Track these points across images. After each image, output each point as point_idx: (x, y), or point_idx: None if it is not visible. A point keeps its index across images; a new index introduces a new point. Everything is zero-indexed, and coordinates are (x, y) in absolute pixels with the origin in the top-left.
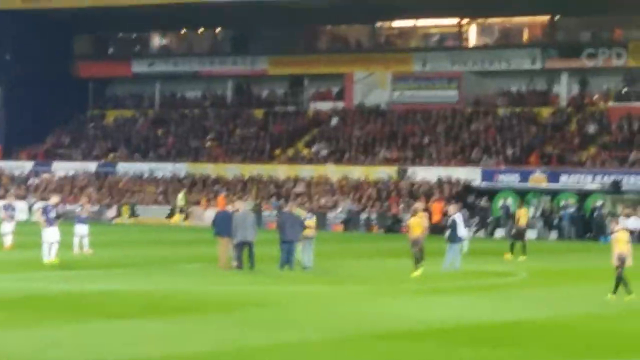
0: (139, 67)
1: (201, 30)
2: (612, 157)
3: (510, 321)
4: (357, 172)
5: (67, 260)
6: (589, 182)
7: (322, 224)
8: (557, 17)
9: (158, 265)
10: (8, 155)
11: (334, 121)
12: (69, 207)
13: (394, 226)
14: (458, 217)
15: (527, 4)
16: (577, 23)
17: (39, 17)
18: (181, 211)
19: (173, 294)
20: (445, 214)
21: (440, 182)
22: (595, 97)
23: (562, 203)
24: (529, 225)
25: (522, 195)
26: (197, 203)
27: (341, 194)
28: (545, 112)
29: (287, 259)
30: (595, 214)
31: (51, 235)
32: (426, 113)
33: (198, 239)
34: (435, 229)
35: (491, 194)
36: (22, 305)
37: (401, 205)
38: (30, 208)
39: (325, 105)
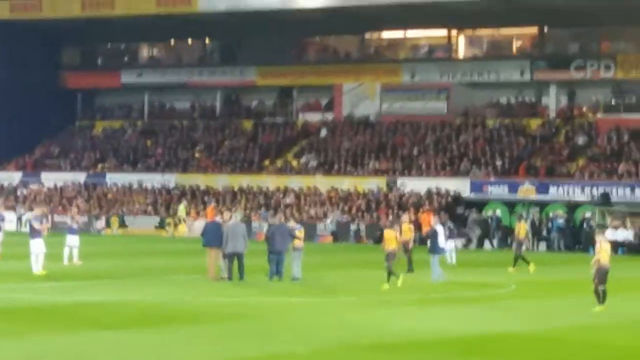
0: (127, 77)
1: (190, 41)
2: (601, 169)
3: (499, 333)
4: (346, 183)
5: (56, 272)
6: (578, 193)
7: (311, 235)
8: (545, 29)
9: (147, 276)
10: None
11: (323, 132)
12: (57, 218)
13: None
14: (439, 228)
15: (516, 15)
16: (566, 35)
17: (27, 28)
18: (180, 222)
19: (162, 305)
20: None
21: (429, 194)
22: (584, 108)
23: (551, 214)
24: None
25: (512, 207)
26: (187, 214)
27: (330, 205)
28: (534, 123)
29: (276, 270)
30: (585, 225)
31: (37, 246)
32: (415, 124)
33: (187, 250)
34: (425, 240)
35: (480, 205)
36: (10, 317)
37: (390, 217)
38: (19, 219)
39: (314, 117)
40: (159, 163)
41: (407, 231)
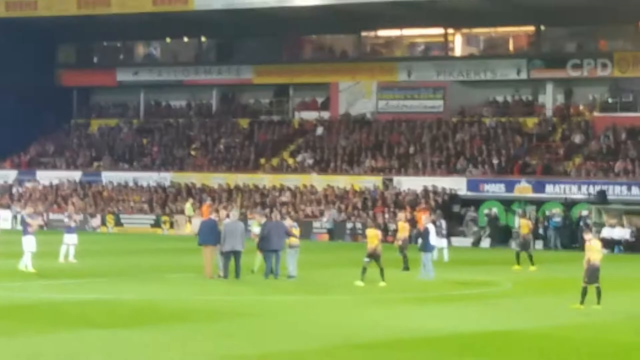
0: (123, 76)
1: (186, 39)
2: (598, 167)
3: (495, 331)
4: (343, 182)
5: (51, 269)
6: (574, 192)
7: (307, 233)
8: (542, 28)
9: (143, 275)
10: None
11: (319, 131)
12: (52, 216)
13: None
14: (430, 226)
15: (513, 14)
16: (563, 33)
17: (22, 26)
18: (188, 220)
19: (158, 304)
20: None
21: (425, 192)
22: (581, 107)
23: (547, 213)
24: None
25: (508, 205)
26: (182, 212)
27: (326, 203)
28: (531, 122)
29: (272, 268)
30: (581, 223)
31: (27, 244)
32: (411, 123)
33: (183, 248)
34: (417, 238)
35: (476, 203)
36: (4, 315)
37: (386, 215)
38: (14, 217)
39: (310, 115)
40: (154, 161)
41: (403, 229)
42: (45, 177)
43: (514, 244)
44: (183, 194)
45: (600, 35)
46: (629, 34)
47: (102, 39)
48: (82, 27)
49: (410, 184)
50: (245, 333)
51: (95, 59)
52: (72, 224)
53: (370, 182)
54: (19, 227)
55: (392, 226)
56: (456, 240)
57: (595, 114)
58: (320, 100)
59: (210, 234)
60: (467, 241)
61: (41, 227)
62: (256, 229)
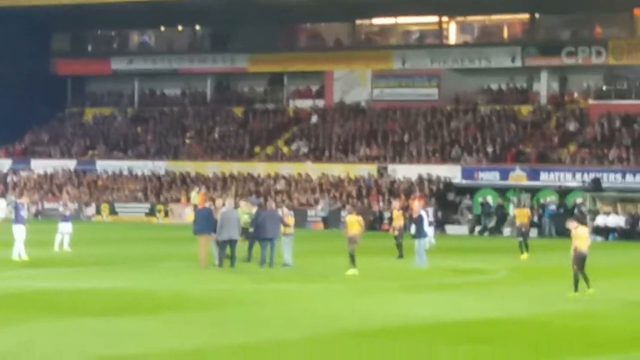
0: (118, 64)
1: (180, 27)
2: (592, 155)
3: (489, 318)
4: (337, 170)
5: (46, 258)
6: (569, 179)
7: (302, 221)
8: (537, 15)
9: (137, 263)
10: None
11: (314, 119)
12: (47, 205)
13: (375, 224)
14: (424, 214)
15: (507, 2)
16: (557, 21)
17: (17, 14)
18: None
19: (152, 292)
20: None
21: (420, 180)
22: (575, 95)
23: (542, 201)
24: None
25: (503, 193)
26: (177, 201)
27: (321, 192)
28: (525, 109)
29: (267, 257)
30: (576, 211)
31: (17, 232)
32: (406, 111)
33: (178, 237)
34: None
35: (471, 191)
36: None
37: (381, 203)
38: (9, 205)
39: (305, 103)
40: (149, 150)
41: (398, 217)
42: (40, 166)
43: (509, 231)
44: (178, 182)
45: (595, 23)
46: (623, 21)
47: (97, 28)
48: (76, 15)
49: (405, 172)
50: (240, 321)
51: (89, 48)
52: (67, 213)
53: (365, 170)
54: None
55: (386, 214)
56: (451, 228)
57: (590, 101)
58: (314, 88)
59: (205, 223)
60: (462, 229)
61: (35, 215)
62: (246, 217)
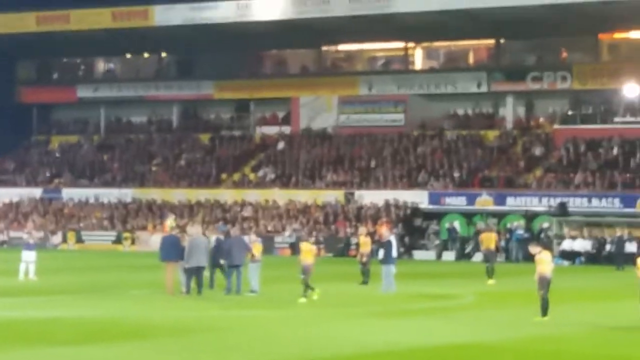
0: (83, 92)
1: (146, 55)
2: (558, 180)
3: (457, 344)
4: (304, 196)
5: (12, 287)
6: (535, 204)
7: (269, 248)
8: (502, 41)
9: (104, 292)
10: None
11: (281, 145)
12: (13, 233)
13: (343, 250)
14: (393, 239)
15: (473, 28)
16: (522, 46)
17: None
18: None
19: (119, 320)
20: None
21: (387, 206)
22: (541, 119)
23: (509, 225)
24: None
25: (470, 218)
26: (144, 228)
27: (288, 218)
28: (492, 134)
29: (233, 284)
30: (542, 235)
31: None
32: (373, 136)
33: (145, 264)
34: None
35: (438, 216)
36: None
37: (348, 229)
38: None
39: (271, 130)
40: (115, 178)
41: (364, 244)
42: (6, 194)
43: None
44: (144, 210)
45: (560, 48)
46: (588, 46)
47: (62, 56)
48: (41, 43)
49: (371, 197)
50: (208, 348)
51: (55, 76)
52: (31, 241)
53: (331, 196)
54: None
55: (354, 240)
56: (418, 254)
57: (556, 126)
58: (281, 115)
59: (172, 250)
60: (429, 254)
61: (1, 244)
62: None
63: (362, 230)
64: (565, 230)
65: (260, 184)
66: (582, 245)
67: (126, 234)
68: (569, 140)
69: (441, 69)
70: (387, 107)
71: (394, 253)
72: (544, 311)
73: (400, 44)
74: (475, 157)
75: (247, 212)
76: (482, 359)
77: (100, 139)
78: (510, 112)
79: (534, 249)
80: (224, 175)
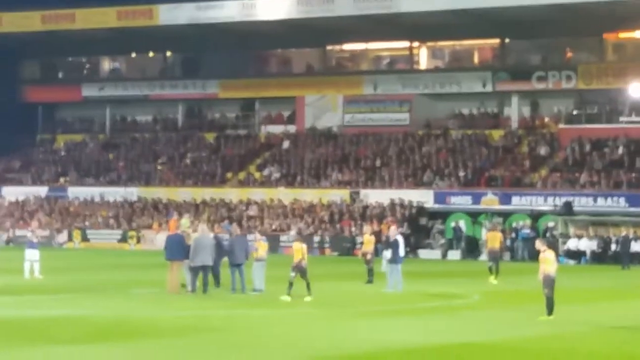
0: (89, 91)
1: (151, 54)
2: (563, 179)
3: (463, 343)
4: (309, 195)
5: (17, 286)
6: (540, 203)
7: (274, 247)
8: (507, 40)
9: (110, 290)
10: None
11: (286, 144)
12: (18, 232)
13: (349, 249)
14: (400, 238)
15: (478, 27)
16: (527, 46)
17: None
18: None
19: (124, 319)
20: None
21: (392, 205)
22: (546, 119)
23: (514, 224)
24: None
25: (475, 217)
26: (149, 227)
27: (293, 217)
28: (497, 134)
29: (237, 283)
30: (548, 235)
31: None
32: (378, 136)
33: (150, 263)
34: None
35: (444, 216)
36: None
37: (353, 228)
38: None
39: (276, 129)
40: (121, 176)
41: (368, 243)
42: (11, 193)
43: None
44: (150, 208)
45: (565, 48)
46: (593, 46)
47: (67, 55)
48: (46, 42)
49: (377, 197)
50: (213, 348)
51: (60, 75)
52: (35, 240)
53: (337, 195)
54: None
55: (359, 239)
56: (423, 253)
57: (561, 126)
58: (286, 114)
59: (177, 249)
60: (434, 253)
61: (7, 243)
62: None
63: (367, 229)
64: (571, 229)
65: (266, 183)
66: (587, 244)
67: (132, 233)
68: (574, 140)
69: (446, 69)
70: (392, 106)
71: (401, 252)
72: (549, 310)
73: (405, 44)
74: (480, 156)
75: (253, 211)
76: (488, 357)
77: (105, 138)
78: (515, 111)
79: (540, 245)
80: (229, 174)
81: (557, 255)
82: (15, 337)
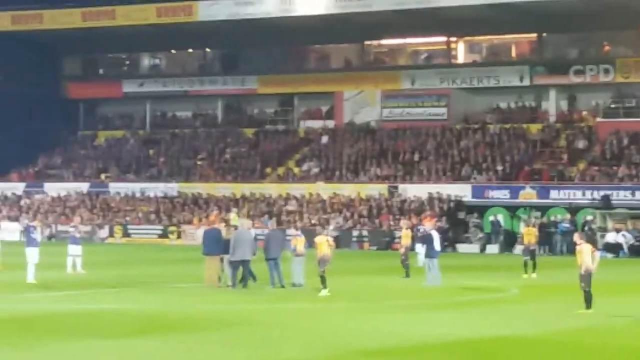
0: (129, 87)
1: (191, 50)
2: (601, 172)
3: (501, 336)
4: (348, 190)
5: (59, 280)
6: (578, 197)
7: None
8: (544, 35)
9: (150, 285)
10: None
11: (324, 139)
12: (60, 227)
13: (387, 243)
14: (434, 232)
15: (515, 21)
16: (565, 40)
17: (29, 39)
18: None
19: (165, 314)
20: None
21: (430, 199)
22: (584, 113)
23: (553, 218)
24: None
25: (513, 211)
26: (189, 222)
27: (332, 212)
28: (534, 128)
29: (274, 276)
30: (586, 228)
31: (30, 255)
32: (416, 130)
33: (190, 258)
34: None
35: (482, 210)
36: (11, 327)
37: (392, 222)
38: (23, 229)
39: (315, 124)
40: (161, 172)
41: (406, 237)
42: (53, 188)
43: (519, 250)
44: (190, 204)
45: (603, 42)
46: (630, 39)
47: (107, 51)
48: (87, 39)
49: (415, 191)
50: (252, 342)
51: (100, 71)
52: (77, 235)
53: (375, 189)
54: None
55: (397, 233)
56: (462, 247)
57: (599, 119)
58: (324, 109)
59: (214, 244)
60: (473, 247)
61: (49, 238)
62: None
63: (404, 223)
64: (609, 223)
65: (305, 178)
66: (625, 238)
67: (172, 228)
68: (612, 133)
69: (484, 63)
70: (430, 101)
71: (437, 247)
72: (588, 303)
73: (442, 38)
74: (518, 150)
75: (292, 206)
76: (525, 351)
77: (145, 134)
78: (553, 105)
79: (576, 238)
80: (268, 169)
81: (596, 248)
82: (58, 331)
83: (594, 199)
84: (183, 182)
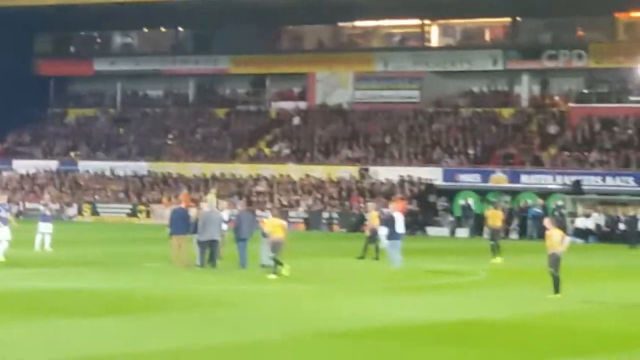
0: (100, 65)
1: (163, 29)
2: (573, 158)
3: (470, 320)
4: (319, 172)
5: (27, 258)
6: (549, 182)
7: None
8: (518, 19)
9: (119, 264)
10: None
11: (296, 120)
12: (28, 205)
13: (356, 225)
14: (398, 214)
15: (489, 5)
16: (538, 25)
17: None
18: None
19: (134, 293)
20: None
21: (401, 182)
22: (556, 98)
23: (522, 203)
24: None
25: (483, 195)
26: (159, 201)
27: (302, 193)
28: (507, 112)
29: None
30: (556, 213)
31: (2, 233)
32: (388, 113)
33: (159, 238)
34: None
35: (452, 193)
36: None
37: (362, 205)
38: None
39: (287, 105)
40: (131, 151)
41: (374, 219)
42: (22, 166)
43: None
44: (159, 183)
45: (576, 27)
46: (604, 25)
47: (79, 29)
48: (59, 16)
49: (386, 174)
50: (222, 322)
51: (72, 49)
52: (47, 213)
53: (346, 172)
54: None
55: (367, 216)
56: (432, 230)
57: (571, 104)
58: (297, 90)
59: (181, 224)
60: (443, 231)
61: (17, 215)
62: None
63: (371, 205)
64: (579, 208)
65: (275, 159)
66: (595, 223)
67: (141, 207)
68: (584, 119)
69: (457, 47)
70: (403, 83)
71: (400, 229)
72: (556, 288)
73: (416, 21)
74: (490, 134)
75: (262, 186)
76: (493, 335)
77: (116, 112)
78: (525, 90)
79: (547, 223)
80: (239, 150)
81: (565, 233)
82: (26, 310)
83: (564, 184)
84: (153, 162)
